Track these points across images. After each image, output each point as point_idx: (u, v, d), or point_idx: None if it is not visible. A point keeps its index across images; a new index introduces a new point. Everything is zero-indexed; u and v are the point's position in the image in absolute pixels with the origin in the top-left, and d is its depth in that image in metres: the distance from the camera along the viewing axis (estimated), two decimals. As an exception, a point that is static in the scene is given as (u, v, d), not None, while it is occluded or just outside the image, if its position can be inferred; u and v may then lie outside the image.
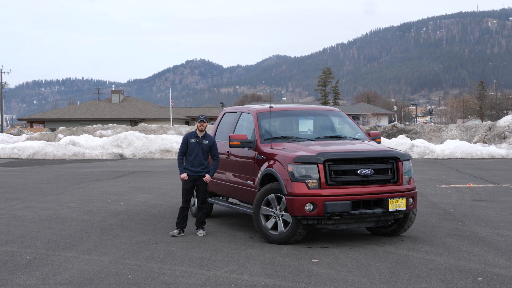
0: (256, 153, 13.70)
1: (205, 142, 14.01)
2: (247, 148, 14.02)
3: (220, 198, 16.28)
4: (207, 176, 13.99)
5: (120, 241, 13.25)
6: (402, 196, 12.63)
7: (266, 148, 13.47)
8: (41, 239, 13.45)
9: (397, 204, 12.55)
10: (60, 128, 66.79)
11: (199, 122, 14.01)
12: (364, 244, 12.79)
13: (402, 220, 13.38)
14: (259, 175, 13.35)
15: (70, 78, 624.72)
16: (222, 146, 15.31)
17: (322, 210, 12.14)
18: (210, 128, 56.97)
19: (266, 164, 13.20)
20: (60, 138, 54.82)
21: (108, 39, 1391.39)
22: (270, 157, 13.16)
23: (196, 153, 13.92)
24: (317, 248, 12.39)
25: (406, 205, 12.70)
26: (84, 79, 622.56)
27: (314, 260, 11.30)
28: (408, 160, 13.13)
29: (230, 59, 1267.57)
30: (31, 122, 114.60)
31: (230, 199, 16.40)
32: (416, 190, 13.17)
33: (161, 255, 11.86)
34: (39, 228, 14.81)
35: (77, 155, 45.16)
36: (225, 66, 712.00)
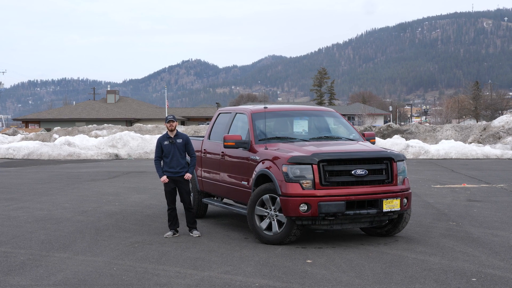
0: (251, 153, 13.68)
1: (179, 141, 13.99)
2: (241, 148, 14.00)
3: (215, 198, 16.28)
4: (187, 175, 13.96)
5: (115, 241, 13.23)
6: (396, 197, 12.63)
7: (260, 149, 13.45)
8: (35, 240, 13.43)
9: (391, 205, 12.55)
10: (56, 128, 66.68)
11: (168, 122, 13.97)
12: (359, 244, 12.79)
13: (396, 221, 13.39)
14: (253, 176, 13.33)
15: (65, 78, 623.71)
16: (217, 146, 15.31)
17: (317, 210, 12.13)
18: (205, 129, 56.97)
19: (260, 164, 13.18)
20: (55, 138, 54.75)
21: (105, 39, 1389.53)
22: (264, 157, 13.14)
23: (173, 154, 13.89)
24: (311, 248, 12.38)
25: (401, 206, 12.70)
26: (80, 79, 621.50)
27: (309, 261, 11.30)
28: (403, 160, 13.12)
29: (225, 59, 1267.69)
30: (26, 122, 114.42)
31: (225, 200, 16.39)
32: (410, 191, 13.17)
33: (155, 255, 11.84)
34: (33, 229, 14.79)
35: (72, 155, 45.10)
36: (220, 66, 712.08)
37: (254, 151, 13.60)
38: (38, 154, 45.42)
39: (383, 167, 12.76)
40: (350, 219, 12.52)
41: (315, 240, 13.27)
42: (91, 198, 20.52)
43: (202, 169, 16.05)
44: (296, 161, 12.34)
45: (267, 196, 12.79)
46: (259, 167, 13.17)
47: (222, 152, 14.93)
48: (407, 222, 13.54)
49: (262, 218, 12.98)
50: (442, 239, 13.24)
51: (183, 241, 13.34)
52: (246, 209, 13.61)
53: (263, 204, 12.93)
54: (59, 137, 54.97)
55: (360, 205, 12.44)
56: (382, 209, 12.47)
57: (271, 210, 12.80)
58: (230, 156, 14.64)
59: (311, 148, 12.91)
